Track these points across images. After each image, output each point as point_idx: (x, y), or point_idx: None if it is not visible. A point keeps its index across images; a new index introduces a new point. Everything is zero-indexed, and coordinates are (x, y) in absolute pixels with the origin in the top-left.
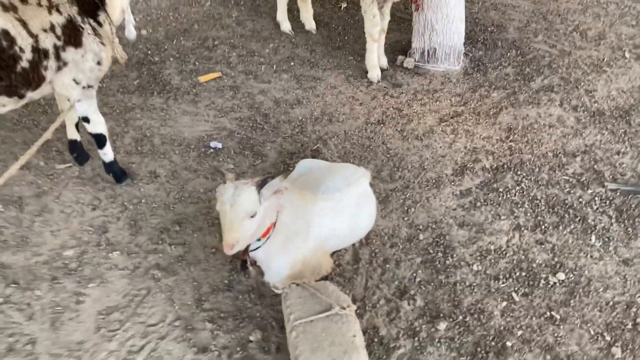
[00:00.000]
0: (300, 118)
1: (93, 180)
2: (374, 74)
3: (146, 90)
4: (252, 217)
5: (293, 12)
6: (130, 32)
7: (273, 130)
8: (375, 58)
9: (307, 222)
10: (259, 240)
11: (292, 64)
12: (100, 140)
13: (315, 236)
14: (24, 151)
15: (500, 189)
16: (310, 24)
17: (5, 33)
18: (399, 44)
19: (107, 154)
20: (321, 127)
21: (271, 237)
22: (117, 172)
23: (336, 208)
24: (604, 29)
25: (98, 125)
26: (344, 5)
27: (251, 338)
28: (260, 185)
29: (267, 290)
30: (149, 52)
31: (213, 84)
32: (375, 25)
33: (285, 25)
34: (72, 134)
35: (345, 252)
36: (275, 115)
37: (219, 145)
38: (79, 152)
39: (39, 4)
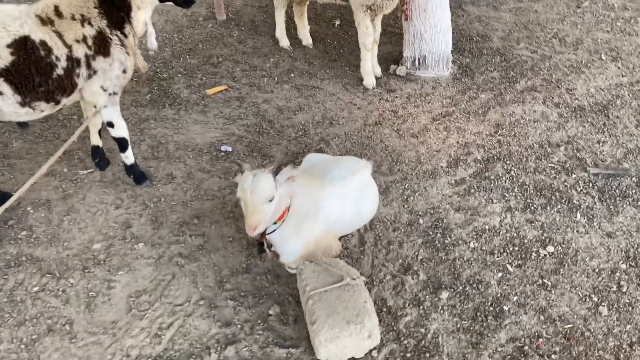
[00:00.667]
0: (303, 122)
1: (114, 183)
2: (369, 81)
3: (158, 103)
4: (270, 201)
5: (290, 29)
6: (152, 44)
7: (278, 134)
8: (370, 66)
9: (317, 206)
10: (275, 223)
11: (292, 75)
12: (122, 144)
13: (325, 219)
14: (46, 160)
15: (492, 177)
16: (307, 39)
17: (43, 43)
18: (390, 55)
19: (129, 157)
20: (323, 129)
21: (285, 220)
22: (138, 174)
23: (342, 194)
24: (581, 35)
25: (121, 129)
26: (337, 22)
27: (270, 312)
28: (275, 173)
29: (283, 272)
30: (158, 69)
31: (220, 95)
32: (368, 36)
33: (284, 42)
34: (95, 140)
35: (351, 237)
36: (279, 121)
37: (229, 149)
38: (100, 158)
39: (73, 18)
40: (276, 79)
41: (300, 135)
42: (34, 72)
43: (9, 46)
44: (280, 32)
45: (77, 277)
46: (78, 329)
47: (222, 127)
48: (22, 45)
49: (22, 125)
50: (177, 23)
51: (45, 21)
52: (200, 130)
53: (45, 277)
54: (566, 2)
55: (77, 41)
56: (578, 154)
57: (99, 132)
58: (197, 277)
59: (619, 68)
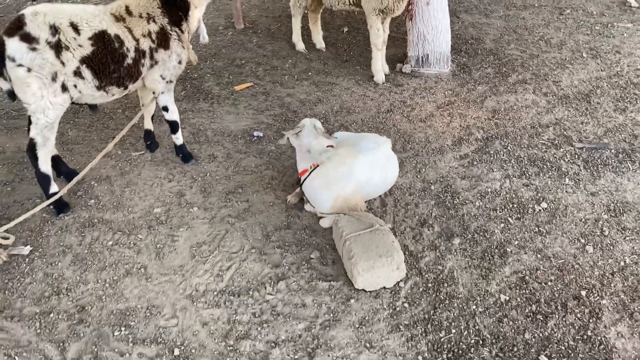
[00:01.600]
0: (324, 112)
1: (164, 162)
2: (380, 77)
3: (192, 98)
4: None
5: (304, 35)
6: (204, 38)
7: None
8: (380, 64)
9: (350, 170)
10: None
11: (309, 73)
12: (174, 126)
13: (356, 181)
14: (101, 145)
15: (491, 152)
16: (320, 43)
17: (117, 37)
18: (395, 56)
19: (179, 138)
20: (341, 117)
21: (312, 178)
22: (185, 154)
23: (371, 162)
24: (564, 37)
25: (173, 113)
26: (345, 29)
27: (312, 256)
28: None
29: (319, 227)
30: (188, 71)
31: (247, 91)
32: (379, 37)
33: (300, 46)
34: (148, 125)
35: (374, 201)
36: (302, 111)
37: (261, 134)
38: (151, 141)
39: (141, 16)
40: (296, 76)
41: (323, 123)
42: (109, 60)
43: (90, 38)
44: (297, 37)
45: (144, 233)
46: (152, 272)
47: (252, 117)
48: (101, 38)
49: (92, 107)
50: None
51: (118, 18)
52: (233, 119)
53: (117, 234)
54: (550, 10)
55: (144, 36)
56: (565, 133)
57: (152, 118)
58: (246, 232)
59: (598, 64)
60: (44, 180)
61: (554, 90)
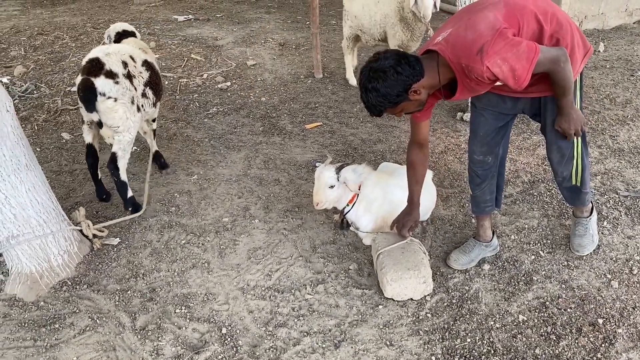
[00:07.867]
0: (381, 150)
1: (237, 182)
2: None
3: (268, 133)
4: (331, 187)
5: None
6: None
7: (361, 157)
8: None
9: (384, 191)
10: (348, 205)
11: (374, 117)
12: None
13: (390, 202)
14: (187, 166)
15: (535, 194)
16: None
17: (151, 63)
18: (459, 105)
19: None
20: (397, 155)
21: (356, 204)
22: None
23: (404, 186)
24: (631, 97)
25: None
26: None
27: (350, 267)
28: (339, 169)
29: (361, 245)
30: (268, 111)
31: (316, 130)
32: None
33: (353, 81)
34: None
35: (415, 228)
36: (362, 148)
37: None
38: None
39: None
40: (361, 119)
41: (379, 159)
42: (158, 80)
43: (142, 65)
44: (349, 74)
45: (212, 236)
46: (213, 267)
47: (317, 151)
48: (148, 65)
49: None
50: (283, 79)
51: (143, 51)
52: (300, 152)
53: (189, 235)
54: (621, 71)
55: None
56: (612, 182)
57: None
58: (297, 243)
59: None
60: (122, 187)
61: (609, 143)
